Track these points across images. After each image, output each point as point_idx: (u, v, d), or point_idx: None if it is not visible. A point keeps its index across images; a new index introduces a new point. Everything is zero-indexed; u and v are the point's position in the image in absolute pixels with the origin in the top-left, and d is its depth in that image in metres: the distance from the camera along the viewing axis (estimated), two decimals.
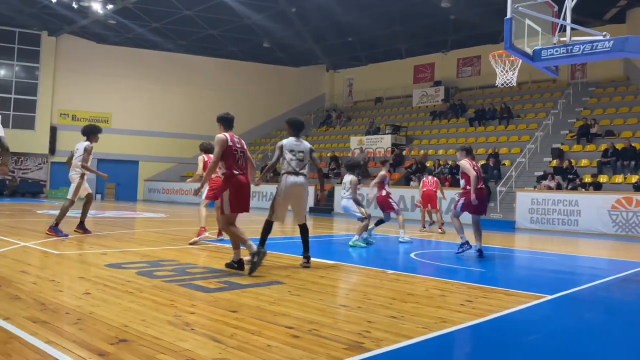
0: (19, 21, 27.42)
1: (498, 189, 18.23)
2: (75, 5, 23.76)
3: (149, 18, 26.07)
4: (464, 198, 8.35)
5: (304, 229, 6.55)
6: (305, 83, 35.60)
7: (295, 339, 3.37)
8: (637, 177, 16.00)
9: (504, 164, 20.24)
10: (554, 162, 18.68)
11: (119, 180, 30.50)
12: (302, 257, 6.52)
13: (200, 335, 3.37)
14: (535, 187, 17.78)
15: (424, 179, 13.72)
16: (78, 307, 3.97)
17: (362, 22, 25.63)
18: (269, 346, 3.20)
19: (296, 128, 6.84)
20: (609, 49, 6.32)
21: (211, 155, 7.45)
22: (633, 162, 17.05)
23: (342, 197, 9.82)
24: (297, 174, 6.43)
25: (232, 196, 5.87)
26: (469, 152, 8.51)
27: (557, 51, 6.70)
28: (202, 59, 32.18)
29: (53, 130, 29.25)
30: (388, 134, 25.52)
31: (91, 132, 9.45)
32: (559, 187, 16.86)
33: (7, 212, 15.63)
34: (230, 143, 6.14)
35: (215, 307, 4.16)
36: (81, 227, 9.39)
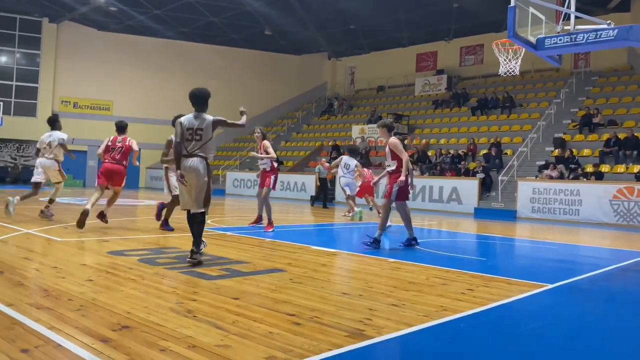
0: (20, 8, 27.28)
1: (500, 178, 18.21)
2: None
3: (150, 5, 25.92)
4: (396, 185, 7.34)
5: (193, 219, 5.74)
6: (307, 71, 35.44)
7: (296, 326, 3.39)
8: (639, 166, 15.97)
9: (506, 153, 20.21)
10: (556, 152, 18.65)
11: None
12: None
13: (203, 322, 3.39)
14: (536, 176, 17.77)
15: (364, 169, 13.17)
16: (81, 294, 3.99)
17: (364, 9, 25.46)
18: (270, 333, 3.22)
19: (196, 101, 6.04)
20: (613, 37, 6.28)
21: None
22: (635, 152, 17.00)
23: (342, 176, 11.64)
24: (189, 155, 5.66)
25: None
26: (390, 129, 7.58)
27: (560, 40, 6.66)
28: (203, 46, 32.04)
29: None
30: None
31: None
32: (561, 177, 16.84)
33: None
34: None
35: (217, 294, 4.18)
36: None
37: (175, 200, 8.17)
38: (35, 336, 2.98)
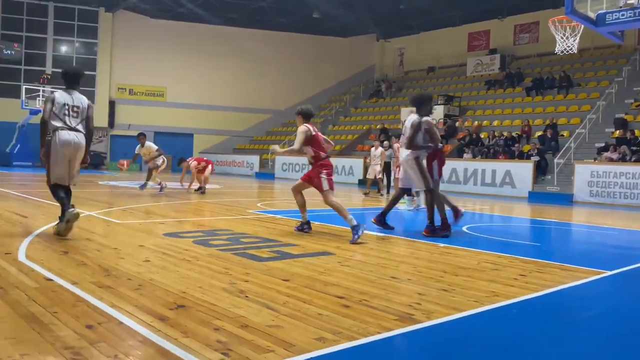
0: None
1: (555, 161, 17.59)
2: None
3: None
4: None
5: (69, 191, 6.00)
6: (355, 54, 35.14)
7: (346, 309, 3.43)
8: None
9: (562, 135, 19.46)
10: (617, 133, 17.79)
11: (174, 152, 31.40)
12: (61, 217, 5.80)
13: (254, 303, 3.48)
14: (595, 159, 17.04)
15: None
16: (139, 274, 4.17)
17: None
18: (320, 315, 3.27)
19: (68, 80, 6.07)
20: None
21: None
22: None
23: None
24: (71, 129, 5.78)
25: None
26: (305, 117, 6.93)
27: (623, 15, 6.31)
28: (252, 32, 32.30)
29: (112, 104, 30.35)
30: (440, 104, 24.94)
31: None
32: (623, 159, 16.07)
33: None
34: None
35: (268, 276, 4.27)
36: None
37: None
38: (98, 313, 3.14)
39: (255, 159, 28.75)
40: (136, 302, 3.41)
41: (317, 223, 8.04)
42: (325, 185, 6.74)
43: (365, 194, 14.99)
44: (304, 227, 6.98)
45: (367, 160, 16.03)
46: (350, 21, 31.30)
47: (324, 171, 6.79)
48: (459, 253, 5.80)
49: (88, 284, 3.80)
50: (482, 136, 21.26)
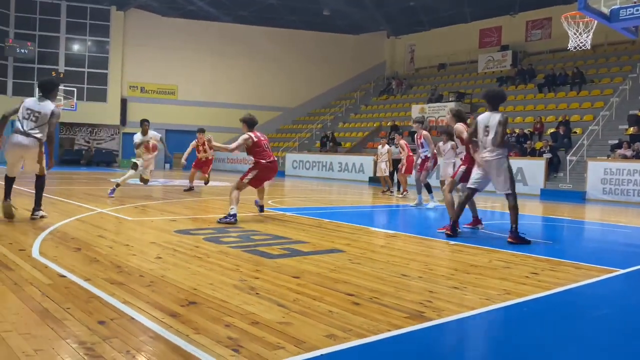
0: None
1: (568, 158, 17.42)
2: None
3: None
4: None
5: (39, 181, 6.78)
6: (366, 51, 35.04)
7: (356, 306, 3.43)
8: None
9: (575, 132, 19.26)
10: (631, 130, 17.57)
11: (186, 150, 31.54)
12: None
13: (265, 300, 3.49)
14: (608, 156, 16.85)
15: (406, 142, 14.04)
16: (150, 271, 4.20)
17: None
18: (330, 312, 3.28)
19: (41, 89, 6.76)
20: None
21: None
22: None
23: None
24: (25, 134, 6.48)
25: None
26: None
27: (637, 10, 6.24)
28: (262, 29, 32.32)
29: (123, 102, 30.55)
30: (452, 101, 24.82)
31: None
32: (637, 156, 15.89)
33: (84, 180, 16.62)
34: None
35: (279, 273, 4.28)
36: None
37: None
38: (110, 309, 3.17)
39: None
40: (148, 298, 3.43)
41: (327, 221, 8.04)
42: (246, 178, 7.76)
43: (384, 192, 14.84)
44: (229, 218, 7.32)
45: (376, 158, 15.93)
46: (361, 18, 31.21)
47: (254, 172, 7.80)
48: (470, 251, 5.77)
49: (100, 280, 3.84)
50: None
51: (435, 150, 10.58)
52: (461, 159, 7.43)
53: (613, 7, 6.40)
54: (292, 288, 3.83)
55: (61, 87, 27.41)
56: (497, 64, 28.34)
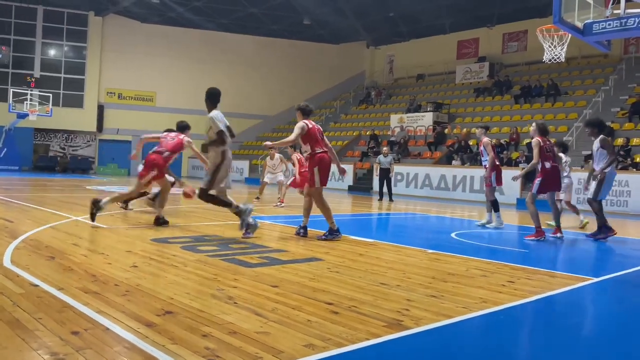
0: (68, 2, 28.15)
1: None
2: None
3: None
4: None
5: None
6: (345, 60, 35.27)
7: (335, 315, 3.42)
8: None
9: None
10: None
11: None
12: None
13: (243, 309, 3.46)
14: (582, 166, 17.20)
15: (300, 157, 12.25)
16: (126, 280, 4.13)
17: None
18: (309, 321, 3.26)
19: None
20: None
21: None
22: None
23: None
24: None
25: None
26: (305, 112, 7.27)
27: (609, 24, 6.39)
28: (242, 37, 32.31)
29: (100, 109, 30.17)
30: (430, 111, 25.11)
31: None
32: None
33: (59, 187, 16.31)
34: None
35: (257, 282, 4.25)
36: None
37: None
38: (84, 319, 3.11)
39: (245, 164, 28.68)
40: (123, 308, 3.37)
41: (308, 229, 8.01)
42: (315, 181, 6.94)
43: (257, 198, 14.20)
44: (300, 231, 7.12)
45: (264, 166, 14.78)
46: (341, 28, 31.43)
47: (316, 168, 6.92)
48: (447, 259, 5.82)
49: (74, 289, 3.76)
50: (470, 143, 21.41)
51: (497, 161, 9.79)
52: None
53: (586, 21, 6.55)
54: (271, 297, 3.80)
55: (36, 92, 27.00)
56: (475, 75, 28.78)
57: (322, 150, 6.94)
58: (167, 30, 31.00)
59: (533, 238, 7.83)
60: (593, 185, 8.22)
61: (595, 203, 8.26)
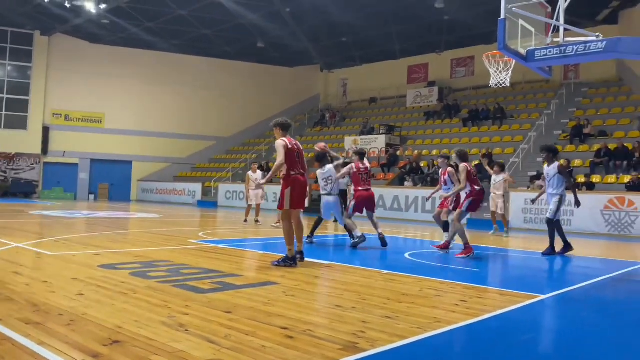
0: (11, 20, 27.24)
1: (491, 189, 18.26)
2: (68, 5, 23.64)
3: (142, 18, 25.99)
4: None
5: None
6: (299, 83, 35.57)
7: (289, 340, 3.36)
8: (629, 177, 16.10)
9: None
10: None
11: (112, 180, 30.37)
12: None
13: (195, 336, 3.36)
14: (528, 187, 17.84)
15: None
16: (71, 308, 3.95)
17: (356, 22, 25.65)
18: (263, 347, 3.20)
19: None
20: (601, 49, 6.35)
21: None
22: (625, 162, 17.15)
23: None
24: None
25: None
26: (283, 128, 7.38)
27: (550, 52, 6.72)
28: (195, 58, 32.09)
29: (45, 131, 29.11)
30: (382, 134, 25.56)
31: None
32: None
33: None
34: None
35: (210, 308, 4.14)
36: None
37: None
38: (24, 352, 2.94)
39: (197, 187, 28.23)
40: (67, 338, 3.21)
41: (261, 252, 7.92)
42: (285, 203, 6.57)
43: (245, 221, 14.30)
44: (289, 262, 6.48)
45: (247, 184, 14.51)
46: (295, 51, 31.74)
47: (288, 190, 6.56)
48: (402, 280, 5.86)
49: (14, 320, 3.56)
50: (422, 165, 21.87)
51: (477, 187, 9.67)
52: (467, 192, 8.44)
53: (529, 48, 6.87)
54: (224, 323, 3.71)
55: None
56: (425, 99, 29.59)
57: (297, 172, 6.64)
58: (117, 51, 30.41)
59: (462, 255, 7.97)
60: (552, 206, 8.74)
61: (555, 223, 8.79)
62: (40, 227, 11.14)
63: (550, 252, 8.84)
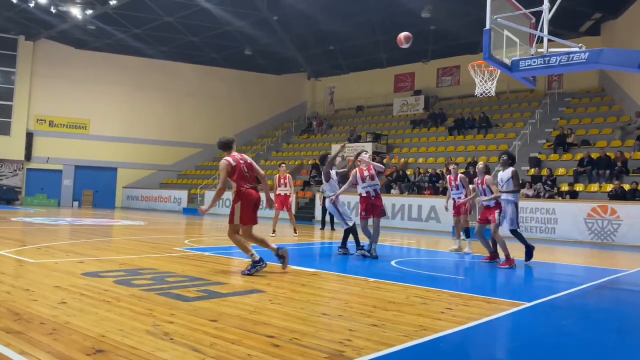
0: None
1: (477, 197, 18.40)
2: (53, 10, 23.47)
3: (129, 24, 25.87)
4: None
5: None
6: (287, 91, 35.62)
7: (276, 348, 3.34)
8: (612, 185, 16.32)
9: None
10: (532, 171, 18.97)
11: (97, 187, 30.06)
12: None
13: (180, 345, 3.33)
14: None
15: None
16: (53, 317, 3.89)
17: (343, 30, 25.80)
18: (249, 356, 3.17)
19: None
20: (584, 60, 6.45)
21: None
22: (608, 171, 17.39)
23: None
24: None
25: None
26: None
27: (534, 62, 6.82)
28: (182, 65, 32.00)
29: (29, 136, 28.76)
30: (369, 142, 25.66)
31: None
32: (538, 196, 17.10)
33: None
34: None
35: (195, 317, 4.11)
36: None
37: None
38: None
39: (183, 194, 28.05)
40: (49, 348, 3.16)
41: (248, 260, 7.87)
42: (236, 219, 6.47)
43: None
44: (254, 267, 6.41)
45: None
46: (282, 59, 31.80)
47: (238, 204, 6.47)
48: (388, 287, 5.86)
49: None
50: (408, 173, 21.98)
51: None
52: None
53: (514, 58, 6.96)
54: (209, 332, 3.68)
55: None
56: (411, 107, 29.79)
57: (249, 186, 6.49)
58: (103, 57, 30.20)
59: (506, 266, 8.31)
60: (509, 215, 8.82)
61: (517, 231, 8.88)
62: (22, 234, 10.98)
63: (530, 253, 8.86)
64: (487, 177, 9.15)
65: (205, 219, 21.64)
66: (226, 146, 6.77)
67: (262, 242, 6.72)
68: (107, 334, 3.50)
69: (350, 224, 9.14)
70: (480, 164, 9.35)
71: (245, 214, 6.44)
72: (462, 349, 3.75)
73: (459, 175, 10.24)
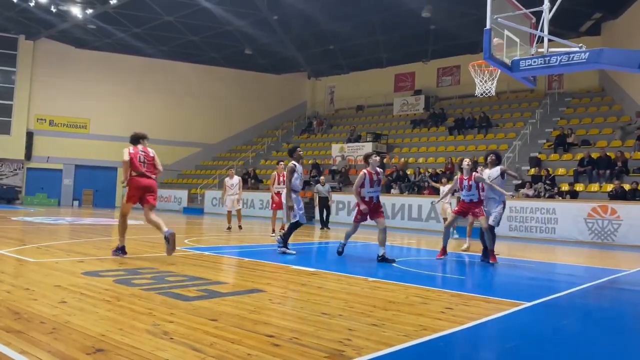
0: None
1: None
2: (54, 9, 23.47)
3: (129, 23, 25.88)
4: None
5: None
6: (287, 90, 35.61)
7: (275, 348, 3.35)
8: (612, 185, 16.33)
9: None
10: (532, 171, 18.96)
11: (97, 186, 30.06)
12: None
13: (179, 344, 3.33)
14: (513, 195, 18.01)
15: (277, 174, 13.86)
16: (53, 316, 3.89)
17: (343, 30, 25.80)
18: (249, 355, 3.17)
19: None
20: (584, 60, 6.45)
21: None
22: (608, 171, 17.40)
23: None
24: None
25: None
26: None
27: (534, 62, 6.82)
28: (182, 65, 32.00)
29: (29, 136, 28.77)
30: (369, 141, 25.66)
31: None
32: (538, 196, 17.10)
33: None
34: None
35: (195, 316, 4.11)
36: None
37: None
38: None
39: (183, 194, 28.05)
40: (49, 347, 3.16)
41: (247, 260, 7.89)
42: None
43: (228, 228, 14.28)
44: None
45: (223, 191, 14.86)
46: (282, 59, 31.80)
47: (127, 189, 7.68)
48: (388, 287, 5.86)
49: None
50: (408, 172, 21.97)
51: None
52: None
53: (514, 58, 6.96)
54: (209, 331, 3.68)
55: None
56: (411, 107, 29.79)
57: (137, 173, 7.70)
58: (104, 56, 30.21)
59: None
60: (497, 214, 8.79)
61: (494, 230, 8.90)
62: (22, 234, 10.99)
63: (486, 254, 8.85)
64: (475, 174, 9.20)
65: (205, 219, 21.65)
66: (132, 141, 8.01)
67: (123, 227, 7.62)
68: (107, 333, 3.50)
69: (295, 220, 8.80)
70: (468, 161, 9.39)
71: (129, 194, 7.73)
72: (462, 349, 3.75)
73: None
